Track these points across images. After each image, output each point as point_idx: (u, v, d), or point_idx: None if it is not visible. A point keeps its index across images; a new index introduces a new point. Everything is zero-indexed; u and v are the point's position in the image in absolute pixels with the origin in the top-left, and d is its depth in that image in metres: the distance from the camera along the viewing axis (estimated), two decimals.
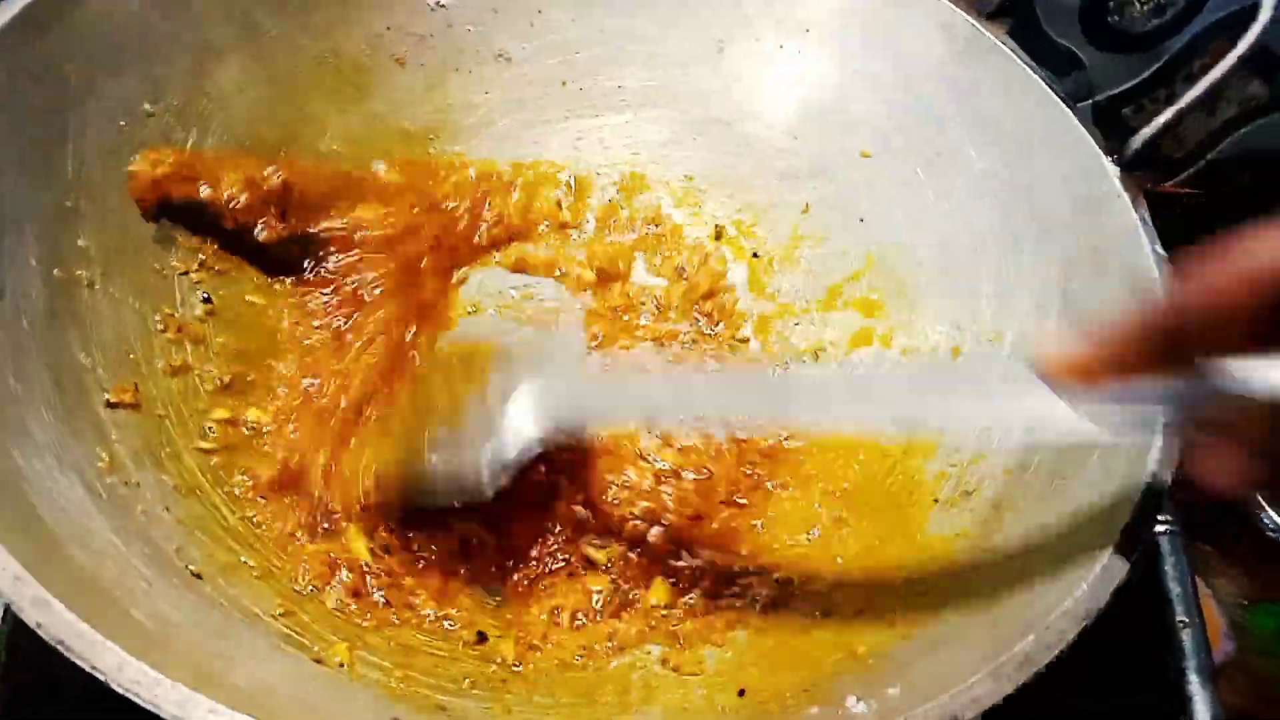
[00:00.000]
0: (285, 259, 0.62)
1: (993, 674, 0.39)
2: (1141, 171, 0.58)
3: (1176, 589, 0.60)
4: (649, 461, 0.59)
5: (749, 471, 0.61)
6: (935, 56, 0.62)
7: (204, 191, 0.56)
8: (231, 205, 0.57)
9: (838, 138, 0.67)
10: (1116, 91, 0.84)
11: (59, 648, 0.34)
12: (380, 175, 0.66)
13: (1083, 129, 0.55)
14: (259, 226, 0.59)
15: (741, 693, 0.47)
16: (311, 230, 0.61)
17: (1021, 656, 0.39)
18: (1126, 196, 0.54)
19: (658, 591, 0.56)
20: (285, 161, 0.60)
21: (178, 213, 0.57)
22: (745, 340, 0.69)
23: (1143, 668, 0.59)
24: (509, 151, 0.71)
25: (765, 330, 0.69)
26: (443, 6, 0.66)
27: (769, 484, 0.61)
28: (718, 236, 0.72)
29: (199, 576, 0.46)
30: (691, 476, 0.60)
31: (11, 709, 0.51)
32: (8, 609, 0.53)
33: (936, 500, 0.55)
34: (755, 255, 0.71)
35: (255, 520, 0.53)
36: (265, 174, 0.58)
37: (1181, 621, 0.60)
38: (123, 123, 0.55)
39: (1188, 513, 0.62)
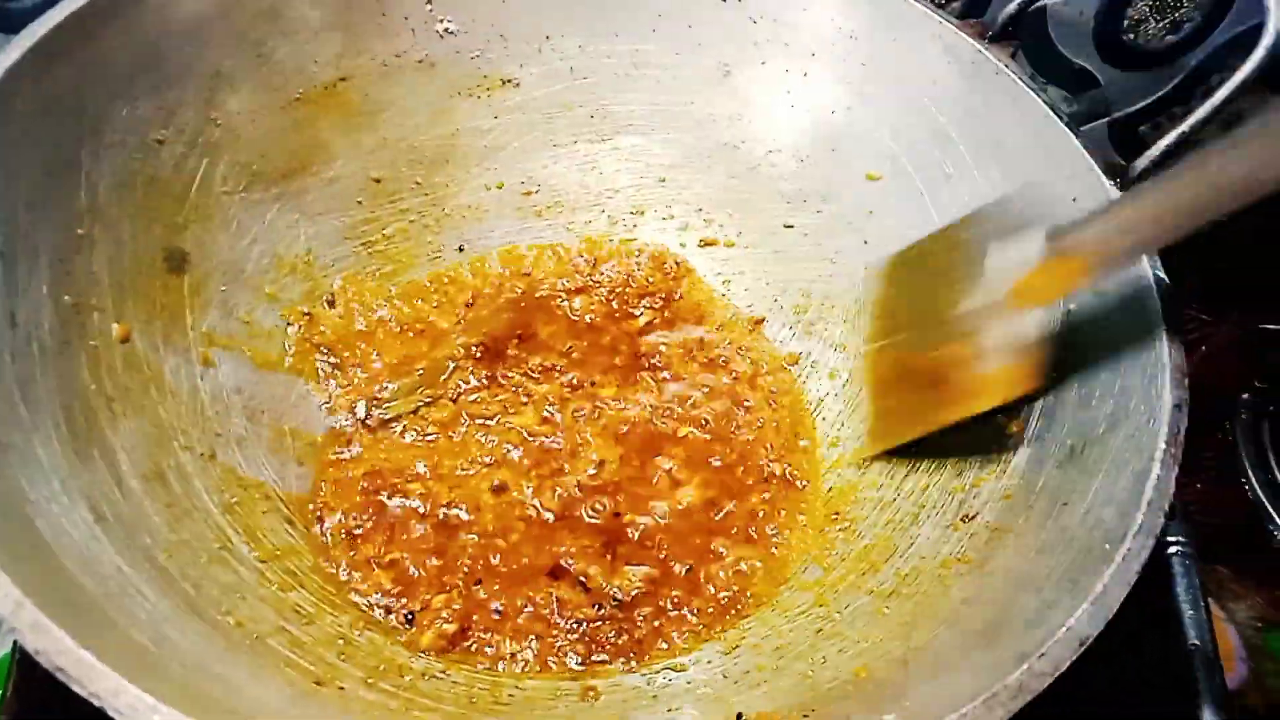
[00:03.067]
0: None
1: (986, 702, 0.39)
2: None
3: (1189, 611, 0.59)
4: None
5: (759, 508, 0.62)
6: (940, 79, 0.62)
7: None
8: None
9: (844, 160, 0.68)
10: (1133, 109, 0.84)
11: (57, 674, 0.34)
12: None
13: (1083, 150, 0.55)
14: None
15: (740, 716, 0.47)
16: None
17: (1016, 685, 0.39)
18: None
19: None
20: None
21: None
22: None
23: (1156, 693, 0.58)
24: (518, 174, 0.72)
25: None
26: (450, 34, 0.67)
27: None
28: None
29: (200, 597, 0.46)
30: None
31: None
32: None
33: (938, 524, 0.54)
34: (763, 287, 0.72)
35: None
36: None
37: (1194, 645, 0.59)
38: (134, 152, 0.56)
39: (1201, 532, 0.61)
